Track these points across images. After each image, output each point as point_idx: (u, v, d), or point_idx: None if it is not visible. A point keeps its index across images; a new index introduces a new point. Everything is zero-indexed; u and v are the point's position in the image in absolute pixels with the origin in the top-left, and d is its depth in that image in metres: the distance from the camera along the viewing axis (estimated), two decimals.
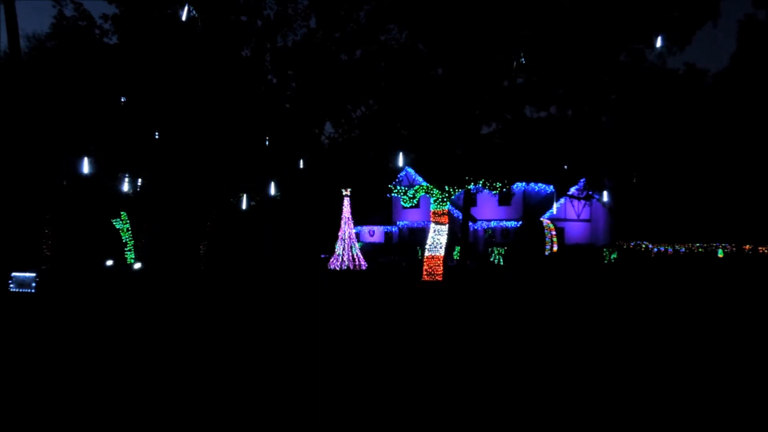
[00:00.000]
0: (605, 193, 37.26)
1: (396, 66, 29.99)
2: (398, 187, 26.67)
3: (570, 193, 39.50)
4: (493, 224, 42.29)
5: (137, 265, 26.63)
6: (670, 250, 41.66)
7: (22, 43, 23.83)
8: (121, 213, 30.61)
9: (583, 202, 40.56)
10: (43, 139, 24.84)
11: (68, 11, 29.38)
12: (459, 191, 24.66)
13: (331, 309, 14.53)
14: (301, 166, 32.22)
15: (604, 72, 29.17)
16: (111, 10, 30.04)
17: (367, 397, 6.73)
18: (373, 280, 24.82)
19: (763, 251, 38.72)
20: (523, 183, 39.56)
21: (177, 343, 9.92)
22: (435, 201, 22.02)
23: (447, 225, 22.11)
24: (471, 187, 27.36)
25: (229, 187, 33.58)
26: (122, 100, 29.08)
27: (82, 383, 7.23)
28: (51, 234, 26.06)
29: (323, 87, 32.45)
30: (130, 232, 30.94)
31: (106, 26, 30.19)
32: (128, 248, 30.99)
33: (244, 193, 31.65)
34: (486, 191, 35.97)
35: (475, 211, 41.35)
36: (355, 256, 31.97)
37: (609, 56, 28.59)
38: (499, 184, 25.76)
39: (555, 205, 38.10)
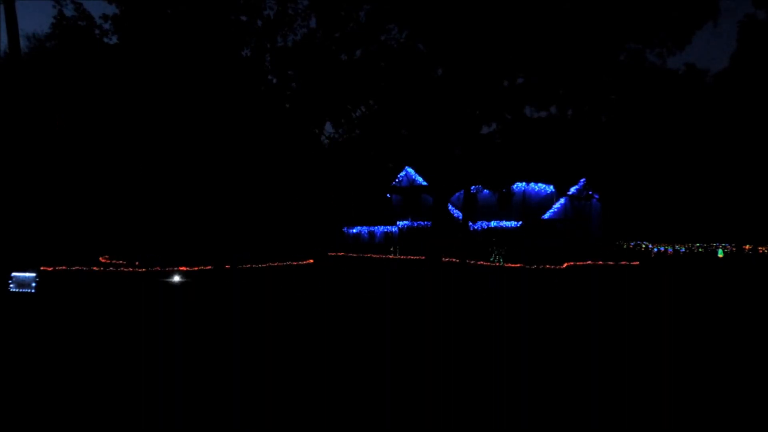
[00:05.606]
0: (605, 194, 37.31)
1: (396, 66, 30.02)
2: (398, 187, 26.86)
3: (570, 193, 39.52)
4: (492, 224, 42.29)
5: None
6: (670, 250, 41.68)
7: (22, 43, 23.90)
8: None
9: (581, 201, 40.62)
10: (44, 138, 24.87)
11: (68, 11, 29.45)
12: (459, 191, 24.71)
13: (334, 306, 14.53)
14: (302, 166, 32.23)
15: (604, 72, 29.22)
16: (111, 10, 30.12)
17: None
18: (372, 279, 24.78)
19: (763, 251, 38.74)
20: (523, 183, 39.60)
21: (181, 341, 9.91)
22: (435, 201, 22.03)
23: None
24: (471, 187, 27.39)
25: (227, 185, 33.58)
26: (122, 100, 29.11)
27: (82, 383, 7.23)
28: (51, 234, 26.00)
29: (323, 87, 32.44)
30: None
31: (106, 26, 30.24)
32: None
33: (244, 192, 31.64)
34: (486, 191, 36.02)
35: (475, 211, 41.35)
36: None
37: (609, 56, 28.64)
38: (499, 184, 25.81)
39: (555, 205, 38.12)
